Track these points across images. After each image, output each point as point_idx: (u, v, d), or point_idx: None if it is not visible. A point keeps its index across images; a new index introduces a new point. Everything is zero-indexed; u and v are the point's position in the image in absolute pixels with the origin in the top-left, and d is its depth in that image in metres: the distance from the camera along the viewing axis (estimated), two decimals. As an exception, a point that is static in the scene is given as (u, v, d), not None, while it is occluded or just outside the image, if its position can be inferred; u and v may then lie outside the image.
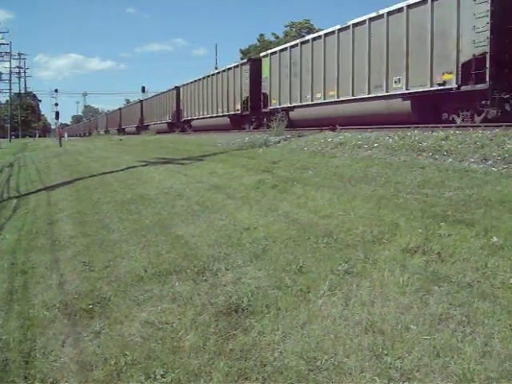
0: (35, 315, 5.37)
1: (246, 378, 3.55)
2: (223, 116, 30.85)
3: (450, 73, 14.08)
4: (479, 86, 13.25)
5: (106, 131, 73.16)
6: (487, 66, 12.89)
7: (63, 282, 6.32)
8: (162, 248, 6.76)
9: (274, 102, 24.41)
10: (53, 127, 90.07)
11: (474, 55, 13.29)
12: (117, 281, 5.85)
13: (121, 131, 62.81)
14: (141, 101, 57.29)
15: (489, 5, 12.90)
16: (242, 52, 69.70)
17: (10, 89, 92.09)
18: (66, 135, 66.88)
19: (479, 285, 4.24)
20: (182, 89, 40.73)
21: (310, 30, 62.91)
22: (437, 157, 9.63)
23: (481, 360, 3.31)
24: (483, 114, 13.81)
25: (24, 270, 7.16)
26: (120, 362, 3.99)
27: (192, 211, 8.52)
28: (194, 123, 37.63)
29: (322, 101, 20.54)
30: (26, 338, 4.87)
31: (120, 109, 68.63)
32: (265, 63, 25.41)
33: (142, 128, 53.12)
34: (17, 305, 5.85)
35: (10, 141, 76.32)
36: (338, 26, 19.29)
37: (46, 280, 6.52)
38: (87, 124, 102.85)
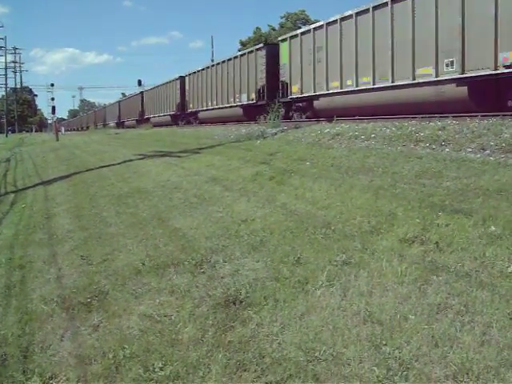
0: (33, 310, 5.35)
1: (245, 370, 3.55)
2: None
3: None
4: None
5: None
6: None
7: (61, 276, 6.31)
8: (159, 241, 6.75)
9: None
10: (49, 122, 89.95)
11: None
12: (115, 274, 5.84)
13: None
14: (141, 92, 53.42)
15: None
16: (242, 43, 69.57)
17: (6, 84, 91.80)
18: (62, 129, 66.82)
19: (477, 274, 4.24)
20: (187, 78, 37.60)
21: (306, 21, 62.78)
22: (434, 147, 9.62)
23: (479, 349, 3.31)
24: None
25: (22, 264, 7.14)
26: (118, 356, 3.98)
27: (189, 204, 8.51)
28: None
29: None
30: (25, 332, 4.86)
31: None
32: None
33: (142, 121, 49.11)
34: (15, 299, 5.83)
35: (7, 136, 76.13)
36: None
37: (44, 274, 6.50)
38: (91, 115, 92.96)
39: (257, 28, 71.48)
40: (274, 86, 23.16)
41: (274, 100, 21.77)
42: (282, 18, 70.58)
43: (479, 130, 9.83)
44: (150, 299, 4.95)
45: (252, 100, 25.57)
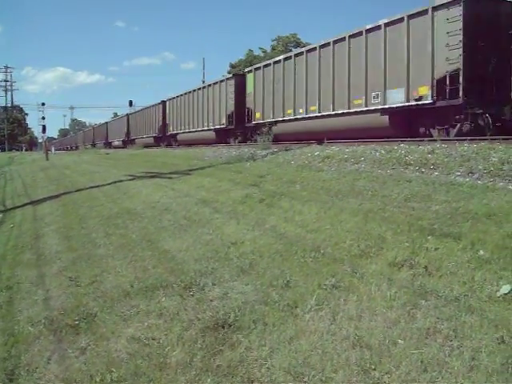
0: (20, 331, 5.32)
1: (233, 395, 3.53)
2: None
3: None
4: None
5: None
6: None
7: (49, 297, 6.27)
8: (148, 263, 6.73)
9: None
10: (40, 141, 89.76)
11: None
12: (103, 296, 5.81)
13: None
14: (163, 102, 42.09)
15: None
16: (232, 66, 70.04)
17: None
18: (52, 149, 66.63)
19: (466, 298, 4.24)
20: (248, 76, 26.33)
21: (297, 44, 63.33)
22: (423, 170, 9.67)
23: (468, 374, 3.31)
24: None
25: (9, 285, 7.10)
26: (106, 379, 3.95)
27: (179, 226, 8.49)
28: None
29: None
30: (11, 354, 4.82)
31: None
32: None
33: (163, 139, 40.81)
34: (1, 321, 5.80)
35: (-4, 154, 75.94)
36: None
37: (32, 296, 6.47)
38: (87, 133, 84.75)
39: (249, 50, 71.97)
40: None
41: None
42: (273, 41, 71.12)
43: (468, 153, 9.92)
44: (139, 322, 4.92)
45: (418, 99, 15.49)
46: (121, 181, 16.27)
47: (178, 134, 37.58)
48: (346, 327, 4.11)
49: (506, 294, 4.20)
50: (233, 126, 27.63)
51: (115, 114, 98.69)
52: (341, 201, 8.07)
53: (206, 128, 31.47)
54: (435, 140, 12.11)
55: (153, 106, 45.20)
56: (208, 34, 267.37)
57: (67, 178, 21.57)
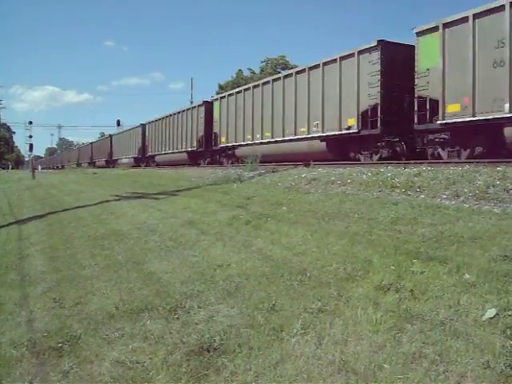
0: (1, 354, 5.23)
1: (218, 420, 3.49)
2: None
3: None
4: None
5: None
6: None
7: (32, 319, 6.18)
8: (134, 285, 6.67)
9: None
10: (26, 159, 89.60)
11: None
12: (87, 318, 5.74)
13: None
14: (206, 102, 32.23)
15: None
16: (220, 87, 70.44)
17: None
18: (39, 168, 66.34)
19: (452, 322, 4.24)
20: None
21: (286, 66, 63.82)
22: (409, 193, 9.74)
23: (454, 400, 3.30)
24: None
25: (-8, 306, 7.01)
26: (89, 404, 3.90)
27: (165, 247, 8.45)
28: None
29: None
30: (-9, 378, 4.74)
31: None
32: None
33: (204, 155, 32.12)
34: (-17, 344, 5.70)
35: (-18, 173, 75.50)
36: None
37: (15, 317, 6.37)
38: (84, 150, 76.80)
39: (239, 70, 72.47)
40: None
41: None
42: (262, 62, 71.68)
43: (453, 176, 10.00)
44: (123, 345, 4.87)
45: None
46: (107, 201, 16.21)
47: (236, 147, 27.18)
48: (332, 351, 4.09)
49: (491, 318, 4.21)
50: (378, 131, 17.08)
51: (102, 134, 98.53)
52: (327, 223, 8.08)
53: (303, 136, 20.72)
54: (422, 163, 12.20)
55: (183, 110, 35.13)
56: (197, 54, 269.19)
57: (53, 198, 21.45)
